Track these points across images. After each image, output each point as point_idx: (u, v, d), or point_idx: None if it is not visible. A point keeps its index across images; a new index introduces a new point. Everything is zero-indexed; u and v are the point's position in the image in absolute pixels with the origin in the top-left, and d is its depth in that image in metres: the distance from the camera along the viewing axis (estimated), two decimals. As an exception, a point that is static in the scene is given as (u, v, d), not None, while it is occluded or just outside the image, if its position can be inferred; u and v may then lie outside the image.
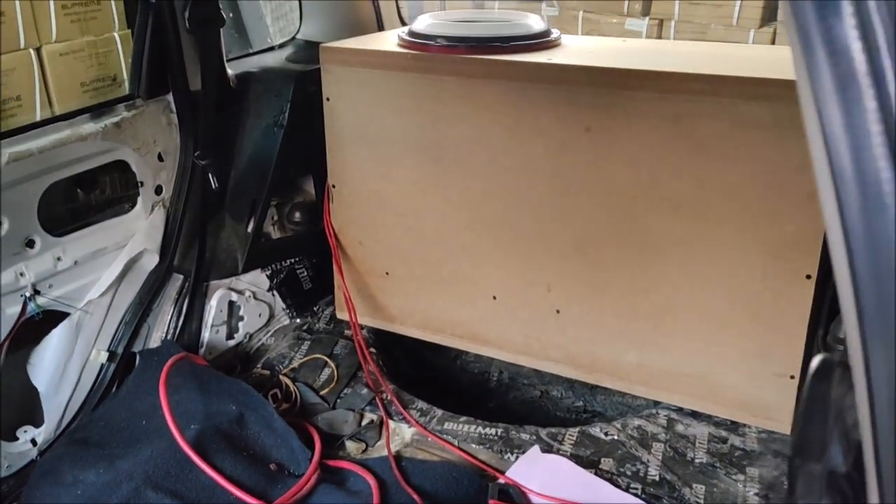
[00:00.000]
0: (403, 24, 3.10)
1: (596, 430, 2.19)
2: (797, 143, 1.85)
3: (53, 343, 2.24)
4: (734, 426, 2.16)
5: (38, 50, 2.37)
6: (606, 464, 2.07)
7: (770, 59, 2.25)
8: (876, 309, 0.48)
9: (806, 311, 1.97)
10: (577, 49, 2.38)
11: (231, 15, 3.32)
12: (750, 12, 3.71)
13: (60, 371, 2.25)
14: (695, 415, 2.21)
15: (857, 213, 0.49)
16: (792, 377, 2.03)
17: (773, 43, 3.70)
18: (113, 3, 2.56)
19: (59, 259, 2.18)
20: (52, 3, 2.39)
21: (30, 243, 2.11)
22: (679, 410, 2.24)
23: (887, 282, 0.47)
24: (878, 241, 0.47)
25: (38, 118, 2.29)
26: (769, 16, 3.76)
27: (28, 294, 2.11)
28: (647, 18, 4.13)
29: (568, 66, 2.14)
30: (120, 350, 2.38)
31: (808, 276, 1.94)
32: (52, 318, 2.22)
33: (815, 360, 0.62)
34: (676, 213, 2.04)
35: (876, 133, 0.47)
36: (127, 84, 2.48)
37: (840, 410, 0.56)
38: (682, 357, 2.17)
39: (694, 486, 1.99)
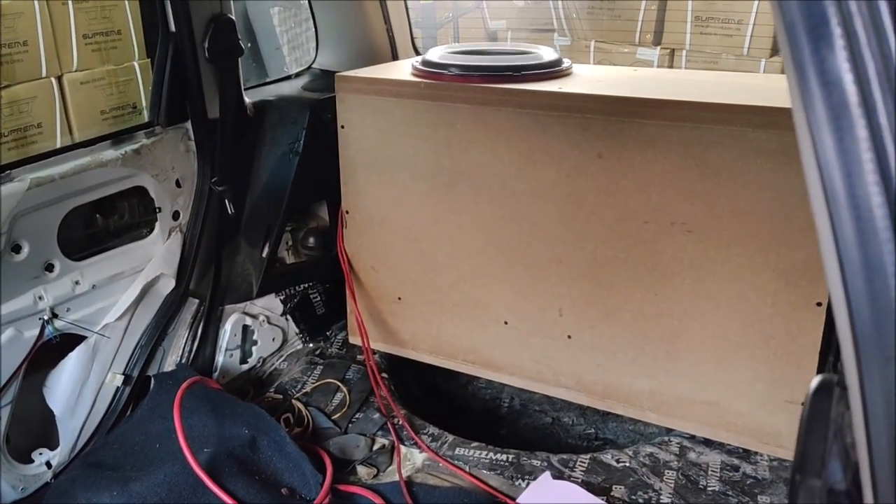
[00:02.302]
0: (417, 53, 3.15)
1: (608, 457, 2.18)
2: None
3: (70, 366, 2.26)
4: (746, 454, 2.15)
5: (59, 78, 2.42)
6: (618, 491, 2.06)
7: (779, 88, 2.27)
8: (870, 331, 0.50)
9: (817, 339, 1.97)
10: (588, 78, 2.41)
11: (249, 45, 3.38)
12: (761, 42, 3.74)
13: (76, 394, 2.28)
14: (707, 442, 2.21)
15: (851, 238, 0.50)
16: (803, 404, 2.02)
17: (783, 73, 3.72)
18: (133, 32, 2.63)
19: (77, 283, 2.21)
20: (73, 32, 2.45)
21: (49, 267, 2.15)
22: (691, 438, 2.23)
23: (881, 305, 0.49)
24: (871, 264, 0.49)
25: (58, 146, 2.34)
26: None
27: (46, 317, 2.14)
28: (659, 48, 4.17)
29: (579, 95, 2.17)
30: (135, 373, 2.40)
31: (819, 304, 1.94)
32: (69, 342, 2.24)
33: (815, 380, 0.63)
34: (688, 237, 2.06)
35: (867, 160, 0.49)
36: (146, 112, 2.53)
37: (839, 428, 0.57)
38: (694, 383, 2.17)
39: (706, 513, 1.98)
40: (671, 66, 4.14)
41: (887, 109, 0.49)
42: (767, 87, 2.30)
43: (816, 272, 1.91)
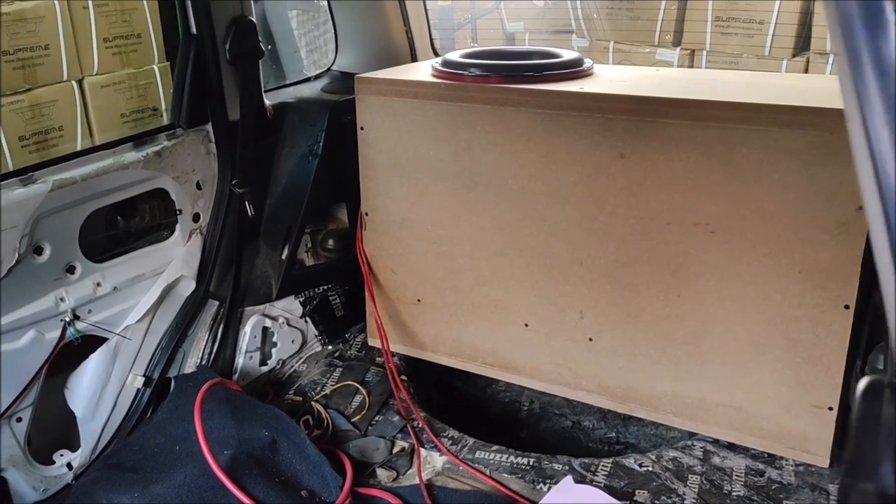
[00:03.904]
0: (436, 55, 3.14)
1: (630, 462, 2.16)
2: (830, 171, 1.85)
3: (91, 368, 2.27)
4: (771, 459, 2.12)
5: (80, 82, 2.43)
6: (641, 496, 2.03)
7: (803, 87, 2.25)
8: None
9: (844, 342, 1.94)
10: (610, 78, 2.39)
11: (269, 47, 3.39)
12: (783, 42, 3.69)
13: (97, 395, 2.28)
14: (731, 447, 2.18)
15: (906, 231, 0.48)
16: (830, 409, 2.00)
17: (806, 72, 3.68)
18: (153, 36, 2.63)
19: (98, 285, 2.22)
20: (94, 36, 2.46)
21: (70, 269, 2.16)
22: (715, 442, 2.20)
23: (939, 300, 0.47)
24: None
25: (78, 148, 2.35)
26: (802, 45, 3.74)
27: (67, 319, 2.15)
28: (679, 48, 4.13)
29: (601, 95, 2.15)
30: (156, 375, 2.41)
31: (847, 307, 1.91)
32: (90, 343, 2.25)
33: (864, 381, 0.61)
34: (711, 238, 2.03)
35: (924, 151, 0.48)
36: (166, 115, 2.54)
37: (890, 431, 0.55)
38: (718, 386, 2.14)
39: (731, 518, 1.95)
40: (692, 67, 4.10)
41: (945, 99, 0.47)
42: (792, 87, 2.27)
43: (844, 274, 1.89)
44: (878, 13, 0.49)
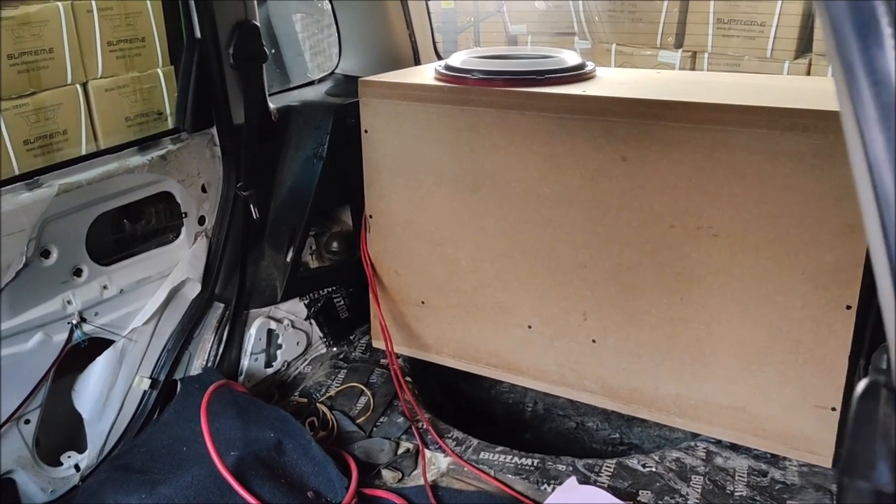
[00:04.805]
0: (439, 58, 3.16)
1: (633, 462, 2.17)
2: (834, 174, 1.85)
3: (98, 370, 2.28)
4: (774, 459, 2.13)
5: (84, 85, 2.44)
6: (644, 496, 2.04)
7: (806, 89, 2.26)
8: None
9: (847, 342, 1.95)
10: (612, 81, 2.40)
11: (273, 51, 3.40)
12: (784, 44, 3.70)
13: (104, 397, 2.30)
14: (734, 447, 2.19)
15: (902, 238, 0.49)
16: (833, 409, 2.01)
17: (808, 74, 3.69)
18: (157, 40, 2.65)
19: (105, 287, 2.23)
20: (98, 39, 2.47)
21: (77, 272, 2.17)
22: (718, 443, 2.21)
23: (933, 305, 0.48)
24: (924, 264, 0.48)
25: (83, 152, 2.36)
26: (804, 47, 3.75)
27: (75, 322, 2.16)
28: (681, 51, 4.14)
29: (603, 98, 2.16)
30: (162, 377, 2.42)
31: (849, 307, 1.92)
32: (97, 346, 2.27)
33: (862, 382, 0.63)
34: (714, 241, 2.04)
35: (919, 159, 0.49)
36: (170, 119, 2.55)
37: (886, 431, 0.56)
38: (721, 388, 2.15)
39: (734, 519, 1.96)
40: (693, 69, 4.11)
41: (939, 108, 0.48)
42: (794, 89, 2.28)
43: (846, 275, 1.90)
44: (871, 22, 0.50)
